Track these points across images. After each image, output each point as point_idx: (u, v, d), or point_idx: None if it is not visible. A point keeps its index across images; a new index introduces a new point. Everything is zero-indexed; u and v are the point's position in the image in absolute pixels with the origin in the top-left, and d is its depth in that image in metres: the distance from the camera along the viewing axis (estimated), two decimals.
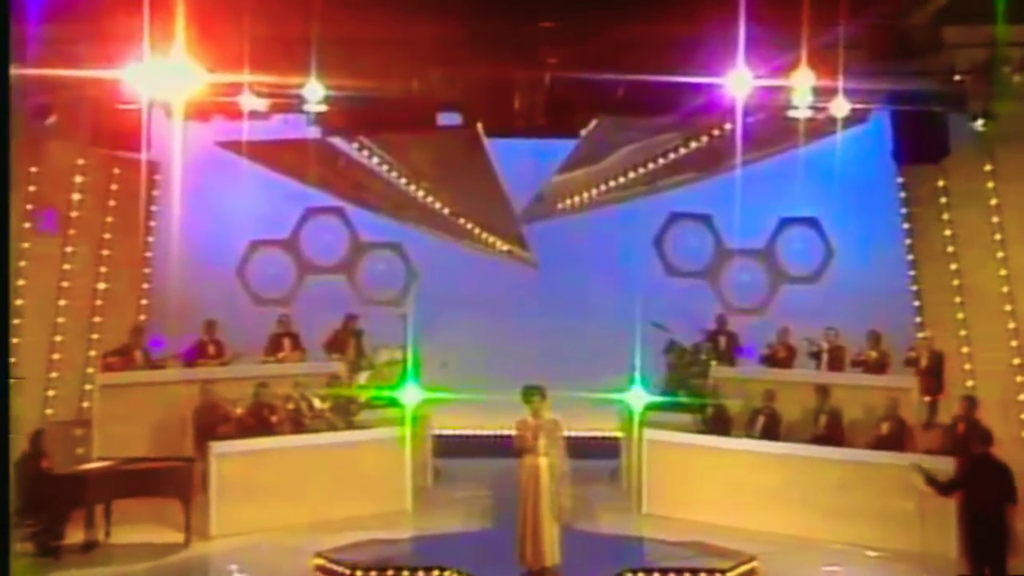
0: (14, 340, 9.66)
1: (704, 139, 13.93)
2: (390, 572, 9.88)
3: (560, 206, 15.01)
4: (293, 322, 14.22)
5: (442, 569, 9.82)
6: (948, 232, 13.95)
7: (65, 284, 13.17)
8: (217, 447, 11.45)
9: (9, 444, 6.54)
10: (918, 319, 14.38)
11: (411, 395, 12.47)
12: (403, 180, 14.55)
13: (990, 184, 13.34)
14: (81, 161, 13.14)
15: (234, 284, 15.53)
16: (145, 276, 14.55)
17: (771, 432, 12.50)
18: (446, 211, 14.85)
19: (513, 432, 9.75)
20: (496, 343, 15.15)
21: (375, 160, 14.31)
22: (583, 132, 13.61)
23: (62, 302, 13.16)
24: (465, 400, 13.81)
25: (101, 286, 13.81)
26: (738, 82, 10.90)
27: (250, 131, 12.87)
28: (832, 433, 12.40)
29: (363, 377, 13.81)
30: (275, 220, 15.59)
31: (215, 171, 14.21)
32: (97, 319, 13.66)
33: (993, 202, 13.33)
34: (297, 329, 14.16)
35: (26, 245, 12.25)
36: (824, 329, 13.77)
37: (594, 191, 14.79)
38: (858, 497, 11.22)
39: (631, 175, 14.49)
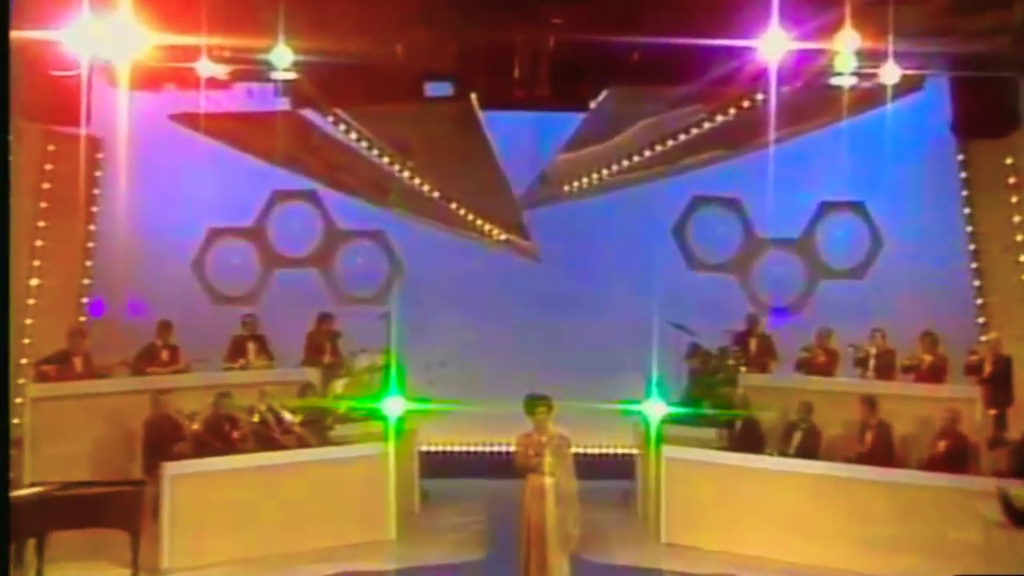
0: None
1: (732, 112, 13.83)
2: None
3: (566, 189, 15.01)
4: (259, 323, 14.24)
5: None
6: (1017, 218, 13.96)
7: None
8: (171, 468, 11.40)
9: (9, 444, 6.81)
10: (981, 319, 14.41)
11: (395, 406, 12.47)
12: (385, 159, 14.49)
13: None
14: (9, 137, 13.05)
15: (190, 279, 15.49)
16: (86, 271, 14.52)
17: (809, 449, 12.47)
18: (435, 195, 14.80)
19: (513, 448, 9.82)
20: (493, 347, 15.23)
21: (353, 136, 14.22)
22: (593, 104, 13.61)
23: None
24: (458, 412, 14.00)
25: (34, 282, 13.77)
26: (772, 45, 10.88)
27: (208, 102, 12.79)
28: (880, 451, 12.37)
29: (340, 386, 13.80)
30: (237, 205, 15.51)
31: (167, 149, 14.16)
32: (29, 321, 13.55)
33: None
34: (263, 331, 14.20)
35: None
36: (871, 331, 13.77)
37: (605, 172, 14.76)
38: (911, 526, 11.18)
39: (648, 153, 14.49)
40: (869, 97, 12.48)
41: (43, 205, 13.77)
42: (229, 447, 12.11)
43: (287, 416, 12.61)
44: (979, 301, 14.40)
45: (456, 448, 15.58)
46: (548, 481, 9.62)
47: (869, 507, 11.44)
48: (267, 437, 12.39)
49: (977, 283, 14.45)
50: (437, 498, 13.97)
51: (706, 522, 11.95)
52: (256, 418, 12.44)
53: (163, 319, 13.78)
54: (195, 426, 12.29)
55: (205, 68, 12.12)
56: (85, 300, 14.41)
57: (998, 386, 12.96)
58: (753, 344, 14.41)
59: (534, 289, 15.44)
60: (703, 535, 11.94)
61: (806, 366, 13.88)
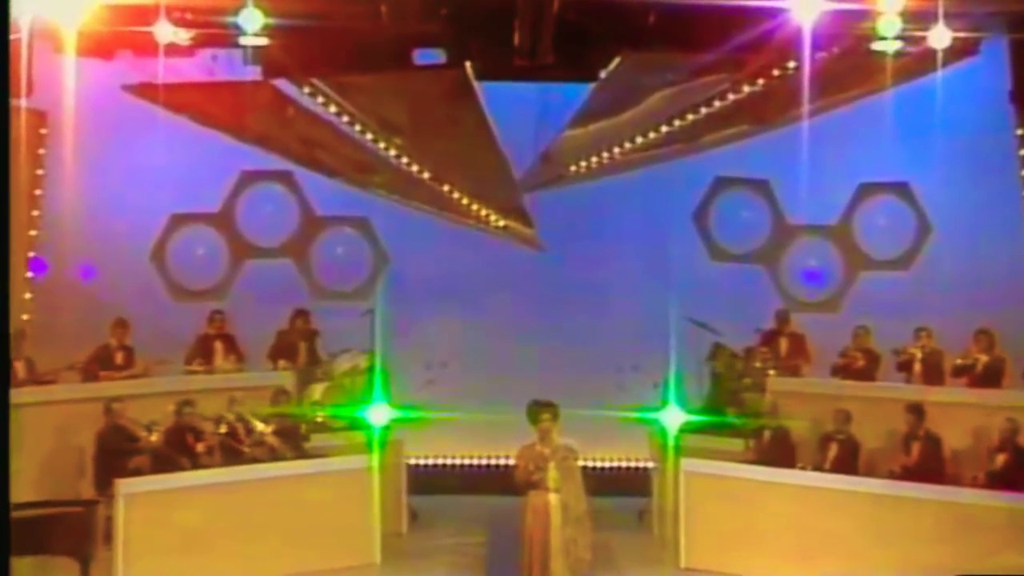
0: None
1: (761, 82, 13.68)
2: None
3: (573, 169, 14.95)
4: (227, 320, 14.34)
5: None
6: None
7: None
8: (126, 485, 11.37)
9: (9, 444, 7.49)
10: None
11: (380, 414, 12.58)
12: (369, 136, 14.42)
13: None
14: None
15: (149, 272, 15.50)
16: (28, 263, 14.49)
17: (847, 463, 12.47)
18: (425, 177, 14.72)
19: (514, 462, 9.94)
20: (490, 348, 15.30)
21: (332, 110, 14.07)
22: (603, 73, 13.51)
23: None
24: (451, 421, 14.05)
25: None
26: (806, 5, 10.94)
27: (168, 71, 12.78)
28: (928, 466, 12.39)
29: (318, 391, 13.90)
30: (202, 188, 15.48)
31: (121, 124, 14.18)
32: None
33: None
34: (232, 330, 14.32)
35: None
36: (916, 329, 13.79)
37: (616, 150, 14.72)
38: (963, 550, 11.10)
39: (665, 129, 14.41)
40: (916, 64, 12.47)
41: None
42: (192, 461, 12.15)
43: (258, 426, 12.64)
44: None
45: (449, 461, 15.63)
46: (553, 498, 9.70)
47: (916, 529, 11.41)
48: (236, 450, 12.43)
49: None
50: (427, 517, 13.97)
51: (731, 545, 11.91)
52: (223, 428, 12.47)
53: (118, 317, 13.77)
54: (154, 438, 12.30)
55: (164, 32, 12.02)
56: (28, 296, 14.42)
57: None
58: (783, 344, 14.40)
59: (536, 282, 15.50)
60: (727, 559, 11.89)
61: (843, 369, 13.88)
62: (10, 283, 7.87)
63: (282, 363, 14.21)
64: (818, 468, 12.43)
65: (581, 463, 9.92)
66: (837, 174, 15.15)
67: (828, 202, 15.54)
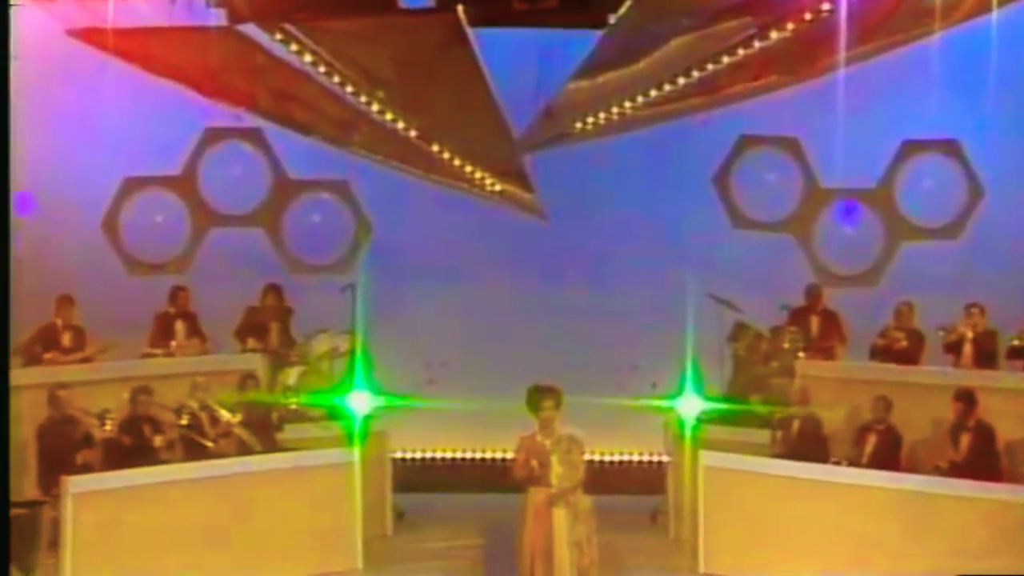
0: None
1: (790, 27, 13.68)
2: None
3: (578, 126, 14.90)
4: (189, 297, 14.32)
5: None
6: None
7: None
8: (75, 484, 11.31)
9: (8, 444, 7.93)
10: None
11: (362, 402, 12.65)
12: (349, 88, 14.40)
13: None
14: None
15: (100, 243, 15.45)
16: None
17: (887, 457, 12.48)
18: (412, 134, 14.68)
19: (512, 454, 9.92)
20: (484, 327, 15.34)
21: (307, 59, 14.07)
22: (612, 18, 13.61)
23: None
24: (441, 410, 14.23)
25: None
26: None
27: (119, 14, 12.88)
28: (980, 460, 12.35)
29: (292, 376, 13.91)
30: (160, 147, 15.38)
31: (67, 75, 14.21)
32: None
33: None
34: (195, 308, 14.30)
35: None
36: (966, 305, 13.78)
37: (628, 105, 14.68)
38: (1020, 556, 11.05)
39: (682, 81, 14.40)
40: (967, 5, 12.51)
41: None
42: (150, 456, 12.13)
43: (224, 415, 12.66)
44: None
45: (439, 455, 15.62)
46: (556, 495, 9.69)
47: (965, 531, 11.34)
48: (199, 443, 12.46)
49: None
50: (415, 518, 14.01)
51: (755, 548, 11.88)
52: (185, 419, 12.49)
53: (64, 293, 13.75)
54: (107, 428, 12.28)
55: None
56: None
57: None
58: (815, 323, 14.37)
59: (537, 253, 15.49)
60: (751, 564, 11.87)
61: (883, 351, 13.86)
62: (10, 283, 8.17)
63: (251, 344, 14.21)
64: (854, 463, 12.43)
65: (587, 457, 9.97)
66: (877, 131, 15.10)
67: (866, 163, 15.47)
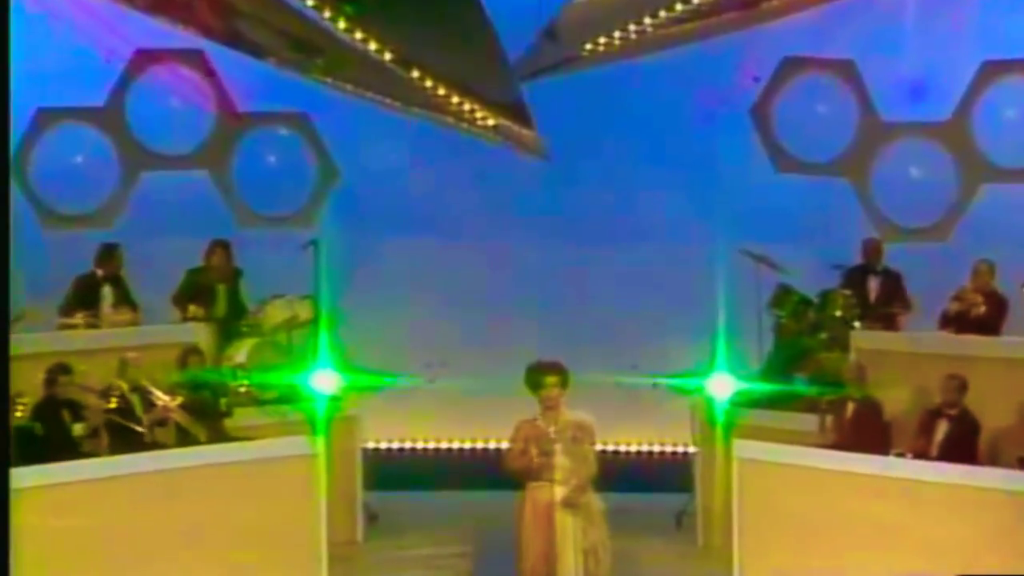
0: None
1: None
2: None
3: (588, 49, 14.83)
4: (118, 256, 14.23)
5: None
6: None
7: None
8: None
9: (9, 443, 8.25)
10: None
11: (327, 382, 12.53)
12: (310, 1, 14.37)
13: None
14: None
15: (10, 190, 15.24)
16: None
17: (962, 448, 12.23)
18: (387, 57, 14.55)
19: (508, 444, 9.88)
20: (475, 290, 15.40)
21: None
22: None
23: None
24: (422, 391, 14.40)
25: None
26: None
27: None
28: None
29: (242, 351, 13.78)
30: (81, 73, 15.21)
31: None
32: None
33: None
34: (125, 270, 14.22)
35: None
36: None
37: (647, 22, 14.69)
38: None
39: None
40: None
41: None
42: (69, 447, 12.01)
43: (161, 398, 12.57)
44: None
45: (420, 444, 15.70)
46: (561, 492, 9.64)
47: None
48: (130, 431, 12.35)
49: None
50: (391, 520, 13.93)
51: (801, 556, 11.41)
52: (113, 402, 12.35)
53: None
54: (17, 415, 11.79)
55: None
56: None
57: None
58: (873, 285, 14.36)
59: (537, 202, 15.50)
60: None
61: (957, 319, 13.67)
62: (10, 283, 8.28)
63: (193, 313, 14.06)
64: (921, 454, 12.13)
65: (598, 447, 9.90)
66: (950, 50, 15.01)
67: (937, 89, 15.38)
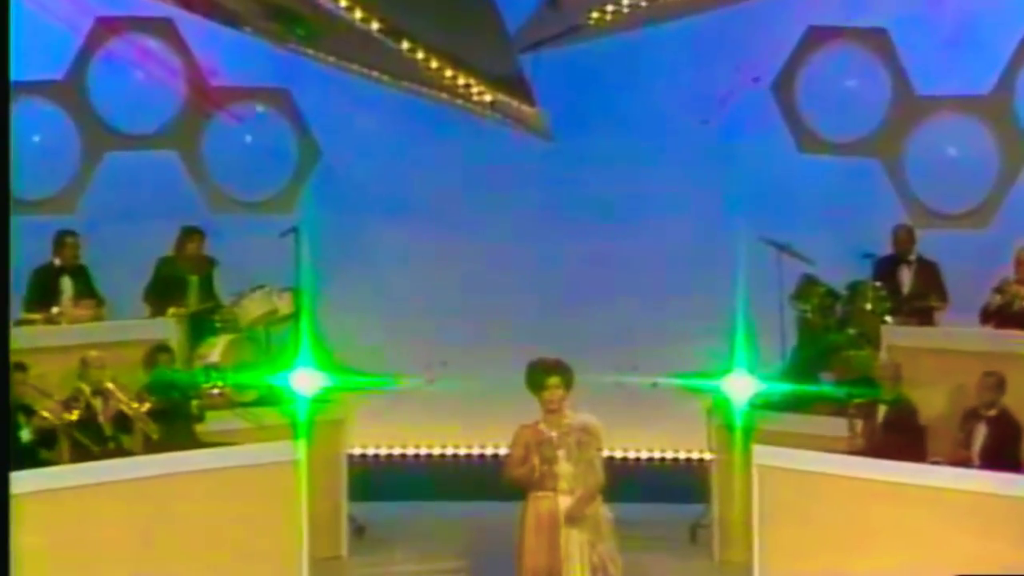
0: None
1: None
2: None
3: (594, 17, 14.70)
4: (79, 245, 14.27)
5: None
6: None
7: None
8: None
9: (8, 444, 8.69)
10: None
11: (309, 382, 12.65)
12: None
13: None
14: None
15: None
16: None
17: (1003, 453, 12.13)
18: (374, 26, 14.21)
19: (508, 450, 9.93)
20: (470, 280, 15.46)
21: None
22: None
23: None
24: (414, 392, 14.45)
25: None
26: None
27: None
28: None
29: (216, 350, 13.72)
30: (38, 43, 14.77)
31: None
32: None
33: None
34: (87, 258, 14.29)
35: None
36: None
37: None
38: None
39: None
40: None
41: None
42: (27, 456, 11.84)
43: (126, 402, 12.51)
44: None
45: (410, 450, 15.77)
46: (565, 503, 9.69)
47: None
48: (93, 437, 12.35)
49: None
50: (379, 533, 13.91)
51: (828, 571, 11.26)
52: (76, 410, 12.33)
53: None
54: None
55: None
56: None
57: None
58: (907, 276, 14.32)
59: (540, 186, 15.65)
60: None
61: (998, 313, 13.52)
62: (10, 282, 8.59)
63: (173, 313, 14.02)
64: (960, 461, 12.05)
65: (606, 452, 9.93)
66: (990, 18, 14.90)
67: (977, 62, 15.27)
